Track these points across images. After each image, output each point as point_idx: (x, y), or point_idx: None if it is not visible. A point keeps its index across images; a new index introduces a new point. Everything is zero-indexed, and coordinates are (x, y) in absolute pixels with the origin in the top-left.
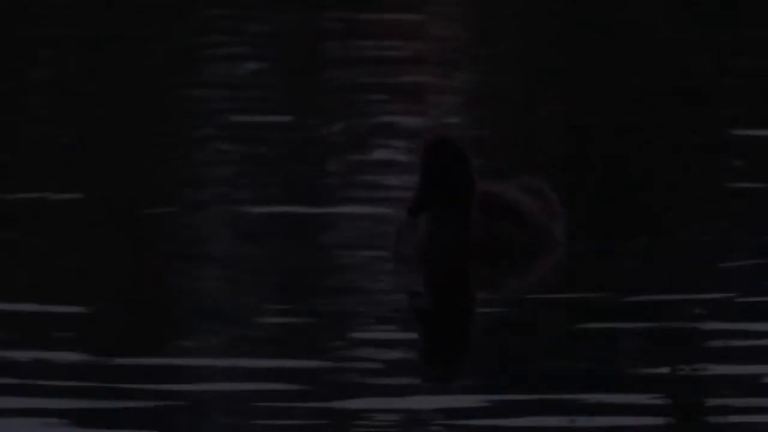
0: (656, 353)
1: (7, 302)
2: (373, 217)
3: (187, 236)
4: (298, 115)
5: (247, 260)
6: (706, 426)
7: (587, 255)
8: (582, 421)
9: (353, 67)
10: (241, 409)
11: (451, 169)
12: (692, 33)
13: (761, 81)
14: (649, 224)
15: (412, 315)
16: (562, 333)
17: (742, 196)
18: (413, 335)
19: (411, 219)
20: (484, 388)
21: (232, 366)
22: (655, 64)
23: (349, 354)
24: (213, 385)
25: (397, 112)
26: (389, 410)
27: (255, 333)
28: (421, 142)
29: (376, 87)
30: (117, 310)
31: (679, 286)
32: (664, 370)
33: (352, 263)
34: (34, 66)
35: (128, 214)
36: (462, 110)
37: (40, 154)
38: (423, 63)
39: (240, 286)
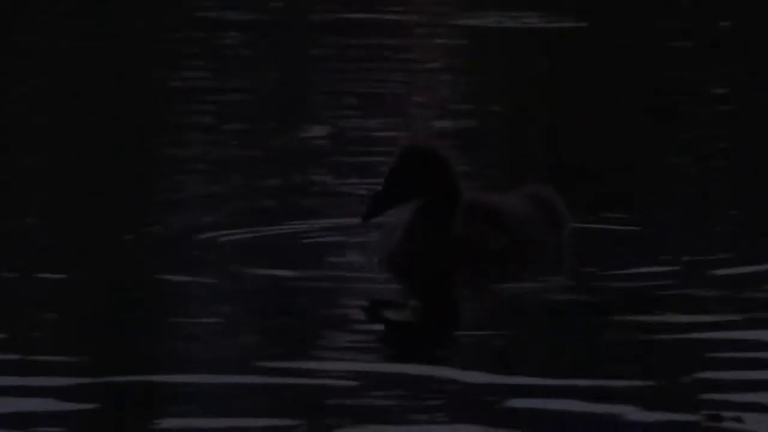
0: (634, 359)
1: None
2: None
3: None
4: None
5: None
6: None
7: (577, 265)
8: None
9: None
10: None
11: (421, 176)
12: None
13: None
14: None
15: (385, 320)
16: (534, 338)
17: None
18: (388, 341)
19: (364, 222)
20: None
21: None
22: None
23: (326, 362)
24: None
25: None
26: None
27: (238, 342)
28: (397, 149)
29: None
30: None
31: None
32: (656, 379)
33: (332, 265)
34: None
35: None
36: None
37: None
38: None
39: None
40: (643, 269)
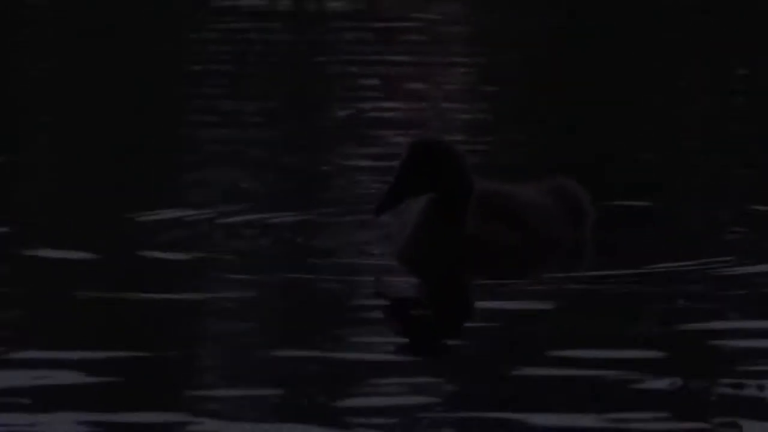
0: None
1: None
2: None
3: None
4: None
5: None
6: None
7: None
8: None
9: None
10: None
11: (431, 170)
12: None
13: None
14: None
15: (394, 315)
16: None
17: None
18: (397, 338)
19: (376, 217)
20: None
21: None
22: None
23: (338, 355)
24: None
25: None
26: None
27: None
28: (407, 144)
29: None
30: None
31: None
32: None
33: (343, 258)
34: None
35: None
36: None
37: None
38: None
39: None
40: (662, 262)
